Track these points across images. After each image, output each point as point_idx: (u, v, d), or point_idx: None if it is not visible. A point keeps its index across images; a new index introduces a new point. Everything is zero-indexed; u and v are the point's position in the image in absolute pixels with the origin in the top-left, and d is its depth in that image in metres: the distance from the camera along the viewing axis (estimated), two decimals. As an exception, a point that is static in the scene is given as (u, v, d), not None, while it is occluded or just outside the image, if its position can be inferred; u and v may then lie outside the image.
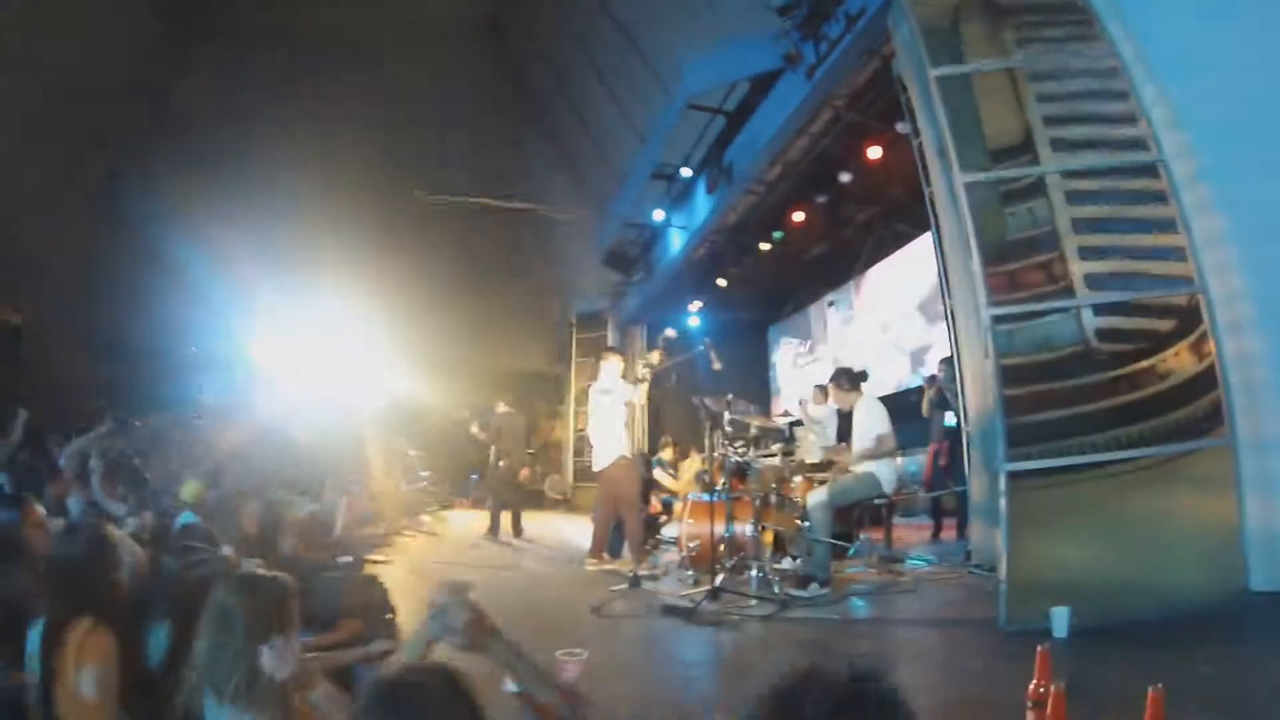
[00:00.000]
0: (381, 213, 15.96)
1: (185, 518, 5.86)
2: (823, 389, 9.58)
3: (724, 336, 15.96)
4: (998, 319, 4.75)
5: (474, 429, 12.55)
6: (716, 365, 7.00)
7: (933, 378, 8.97)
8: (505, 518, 11.35)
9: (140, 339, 15.64)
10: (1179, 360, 4.77)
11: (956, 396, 8.14)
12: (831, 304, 15.56)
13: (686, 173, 12.80)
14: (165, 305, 15.35)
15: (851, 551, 7.08)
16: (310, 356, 15.52)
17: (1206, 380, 4.75)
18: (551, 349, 19.61)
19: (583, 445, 15.38)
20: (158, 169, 15.35)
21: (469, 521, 13.95)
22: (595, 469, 8.02)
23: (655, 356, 7.69)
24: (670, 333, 7.31)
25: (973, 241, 4.85)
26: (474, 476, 17.61)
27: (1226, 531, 4.62)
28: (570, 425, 18.52)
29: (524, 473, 12.63)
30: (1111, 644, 4.05)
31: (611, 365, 8.05)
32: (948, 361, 8.51)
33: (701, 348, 7.13)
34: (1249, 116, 4.98)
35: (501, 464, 11.69)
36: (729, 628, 5.16)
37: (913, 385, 11.91)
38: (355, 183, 15.76)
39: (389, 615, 4.85)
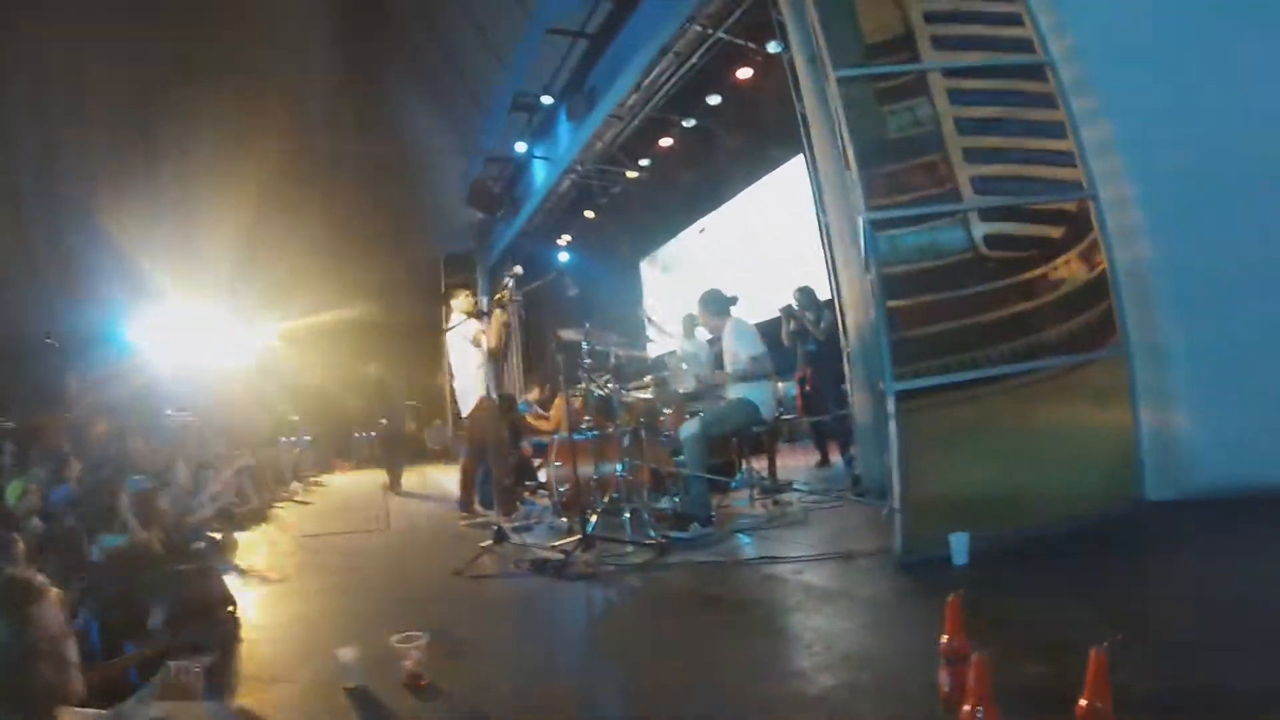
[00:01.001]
0: (243, 168, 14.93)
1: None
2: (692, 318, 9.19)
3: (595, 272, 15.80)
4: (877, 223, 4.37)
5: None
6: (572, 291, 6.55)
7: (789, 307, 8.68)
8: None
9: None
10: (1071, 269, 4.52)
11: (816, 323, 8.22)
12: (702, 231, 15.19)
13: (548, 100, 12.15)
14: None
15: (734, 484, 6.78)
16: (182, 329, 14.72)
17: (1099, 289, 4.52)
18: (426, 295, 18.76)
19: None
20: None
21: (348, 484, 13.52)
22: (463, 414, 7.54)
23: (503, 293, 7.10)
24: (516, 269, 6.75)
25: (847, 140, 4.46)
26: (357, 436, 17.26)
27: (1122, 443, 4.44)
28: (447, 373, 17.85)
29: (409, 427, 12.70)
30: (1012, 566, 3.84)
31: (457, 304, 7.56)
32: (802, 290, 8.54)
33: (553, 275, 6.64)
34: (1135, 23, 4.81)
35: (383, 422, 12.54)
36: (601, 581, 4.72)
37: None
38: (214, 138, 14.86)
39: (230, 609, 4.51)
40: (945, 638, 2.31)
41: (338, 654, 3.14)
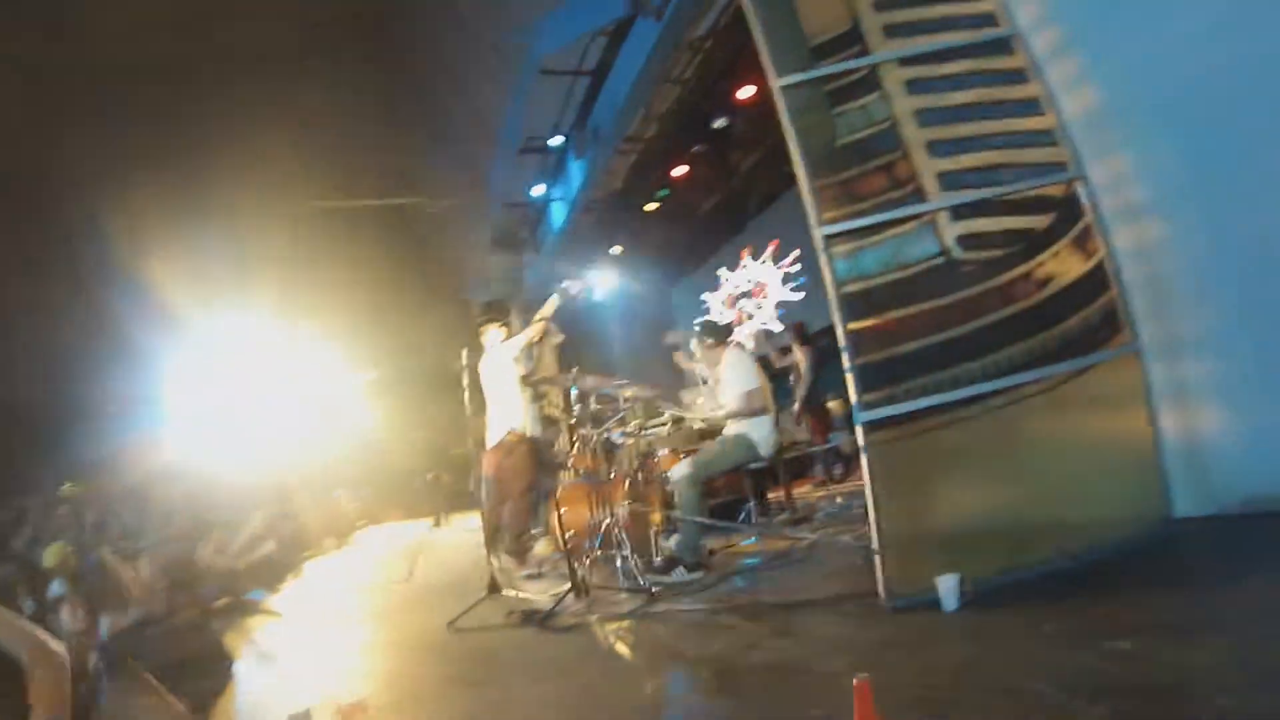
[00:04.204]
0: (269, 228, 15.15)
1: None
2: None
3: (628, 305, 15.55)
4: (831, 238, 3.97)
5: None
6: (578, 293, 6.25)
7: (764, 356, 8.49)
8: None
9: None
10: (1062, 261, 4.03)
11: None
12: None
13: (556, 141, 11.99)
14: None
15: (741, 519, 6.42)
16: (216, 389, 15.02)
17: (1098, 280, 4.03)
18: (464, 344, 18.80)
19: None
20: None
21: (393, 534, 14.00)
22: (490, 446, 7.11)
23: (548, 306, 6.76)
24: (571, 284, 6.44)
25: (795, 151, 4.07)
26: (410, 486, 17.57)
27: (1141, 454, 3.92)
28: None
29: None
30: (1009, 616, 3.31)
31: (492, 333, 7.18)
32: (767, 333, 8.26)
33: (579, 284, 6.39)
34: None
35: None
36: (582, 632, 4.56)
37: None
38: (240, 197, 15.09)
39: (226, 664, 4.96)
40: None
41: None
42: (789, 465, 6.88)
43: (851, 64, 4.24)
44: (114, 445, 14.24)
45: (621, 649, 4.10)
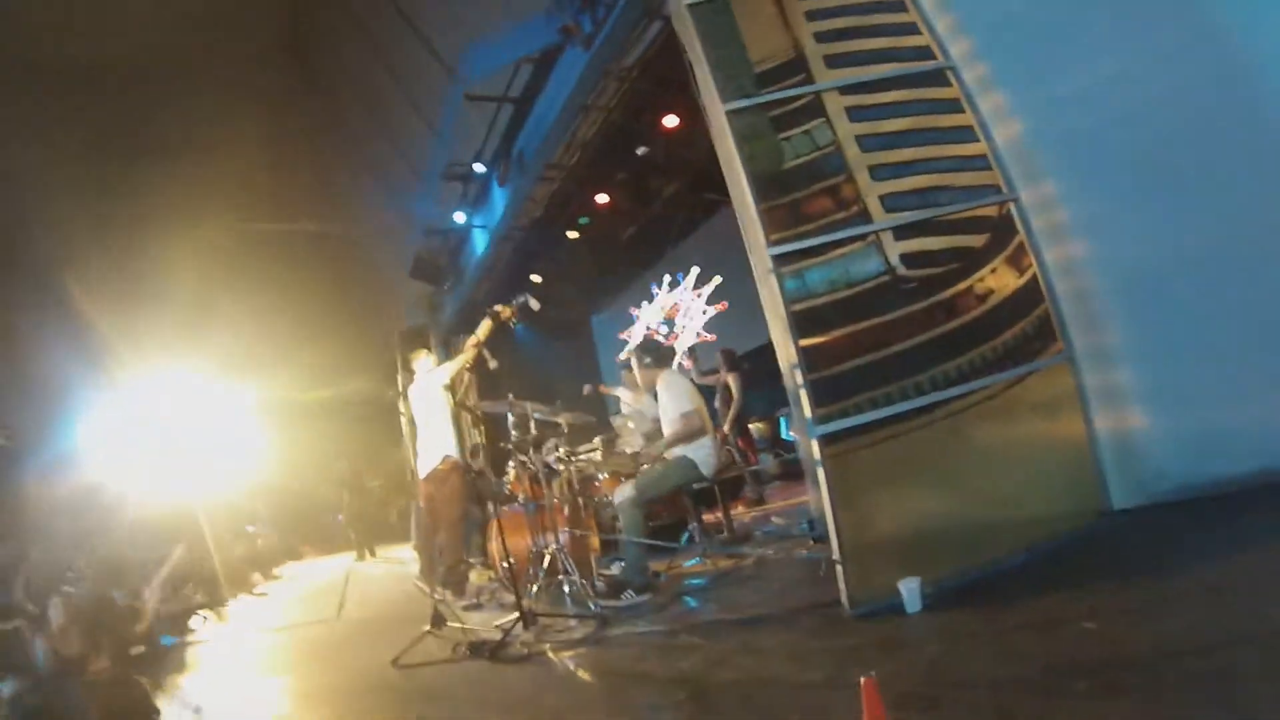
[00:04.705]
0: (192, 250, 14.66)
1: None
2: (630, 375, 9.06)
3: (548, 334, 15.54)
4: (781, 258, 4.09)
5: None
6: (534, 305, 6.20)
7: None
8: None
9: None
10: (999, 277, 4.28)
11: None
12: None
13: (480, 169, 11.91)
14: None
15: (683, 540, 6.44)
16: (132, 418, 14.35)
17: (1031, 294, 4.29)
18: (383, 372, 18.51)
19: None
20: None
21: (313, 571, 13.82)
22: (422, 474, 6.95)
23: (481, 330, 6.62)
24: (525, 299, 6.33)
25: (742, 174, 4.19)
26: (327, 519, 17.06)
27: (1078, 453, 4.21)
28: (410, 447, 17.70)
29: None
30: (972, 612, 3.46)
31: (423, 361, 7.16)
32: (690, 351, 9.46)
33: (521, 299, 6.29)
34: (1032, 12, 4.59)
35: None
36: (538, 661, 4.42)
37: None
38: (160, 219, 14.64)
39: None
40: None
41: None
42: (722, 486, 6.93)
43: (799, 90, 4.39)
44: (7, 478, 13.51)
45: (584, 676, 4.03)
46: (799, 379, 3.96)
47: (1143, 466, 4.22)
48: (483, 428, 9.70)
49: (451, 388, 6.85)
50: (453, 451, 6.83)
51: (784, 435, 11.21)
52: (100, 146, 14.23)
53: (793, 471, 10.21)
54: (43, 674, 5.67)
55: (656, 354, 6.11)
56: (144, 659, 6.88)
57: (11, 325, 14.06)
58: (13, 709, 4.06)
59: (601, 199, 11.86)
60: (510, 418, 5.79)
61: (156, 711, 4.53)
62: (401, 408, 7.41)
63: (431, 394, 6.84)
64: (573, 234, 12.85)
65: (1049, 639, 2.81)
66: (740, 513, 8.79)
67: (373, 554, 14.30)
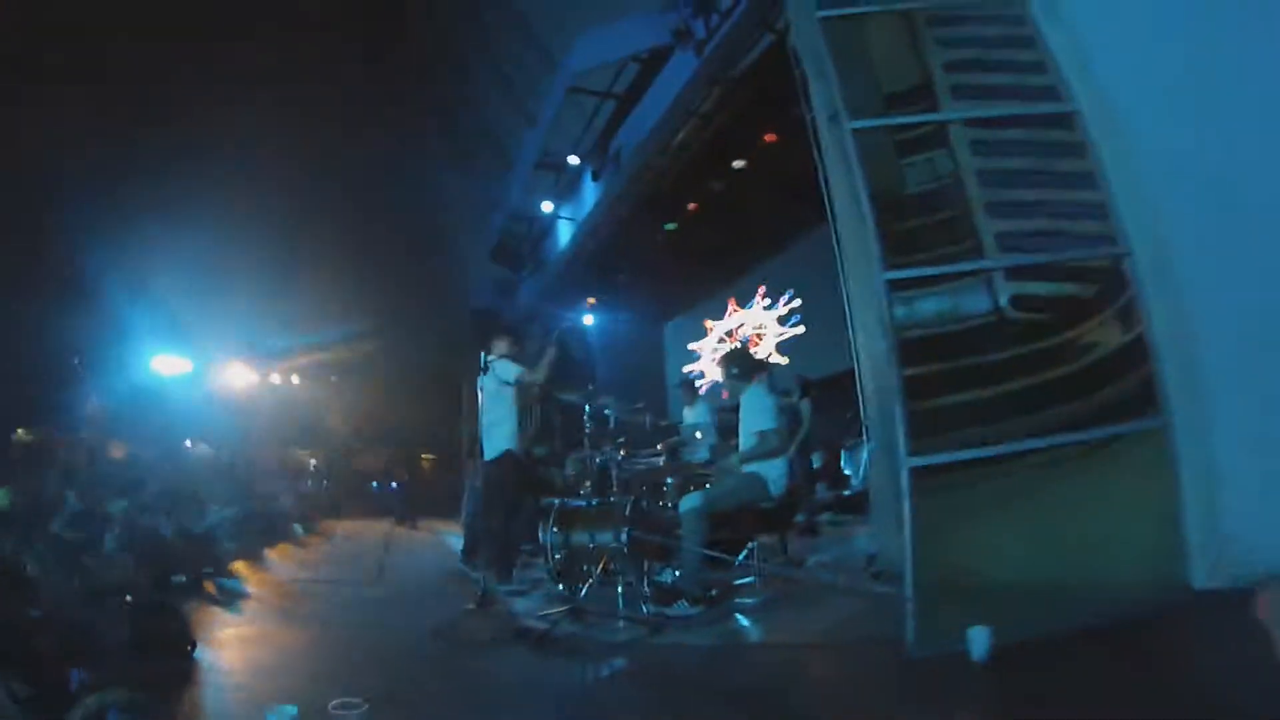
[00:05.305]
0: (273, 215, 15.03)
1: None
2: (691, 386, 9.04)
3: (619, 334, 15.57)
4: (894, 284, 4.01)
5: None
6: (578, 353, 6.29)
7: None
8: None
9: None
10: (1104, 331, 4.14)
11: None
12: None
13: (574, 161, 12.00)
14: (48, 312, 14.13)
15: (739, 560, 6.36)
16: (205, 364, 14.85)
17: (1136, 353, 4.12)
18: (451, 348, 18.76)
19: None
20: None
21: (356, 531, 13.93)
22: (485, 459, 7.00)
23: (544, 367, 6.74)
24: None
25: (863, 194, 4.12)
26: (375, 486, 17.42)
27: (1165, 524, 3.99)
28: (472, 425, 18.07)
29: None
30: (1039, 668, 3.36)
31: (497, 349, 7.07)
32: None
33: (559, 331, 6.37)
34: (1166, 62, 4.36)
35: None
36: (581, 657, 4.42)
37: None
38: (252, 187, 15.01)
39: (188, 648, 4.54)
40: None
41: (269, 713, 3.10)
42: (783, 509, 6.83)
43: (923, 118, 4.33)
44: (76, 396, 14.00)
45: (627, 678, 4.03)
46: (898, 408, 3.87)
47: (1230, 548, 3.99)
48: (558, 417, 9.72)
49: (521, 388, 6.90)
50: (513, 446, 6.86)
51: (845, 468, 11.04)
52: (183, 102, 14.57)
53: (846, 504, 10.03)
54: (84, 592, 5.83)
55: (745, 365, 6.05)
56: (187, 592, 6.96)
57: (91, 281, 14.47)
58: (53, 624, 4.15)
59: (691, 206, 11.84)
60: (586, 410, 5.78)
61: (193, 642, 4.55)
62: (464, 391, 7.49)
63: (497, 385, 6.88)
64: (658, 238, 12.83)
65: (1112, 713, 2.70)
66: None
67: (415, 526, 14.42)
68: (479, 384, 7.07)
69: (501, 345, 7.09)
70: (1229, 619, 3.68)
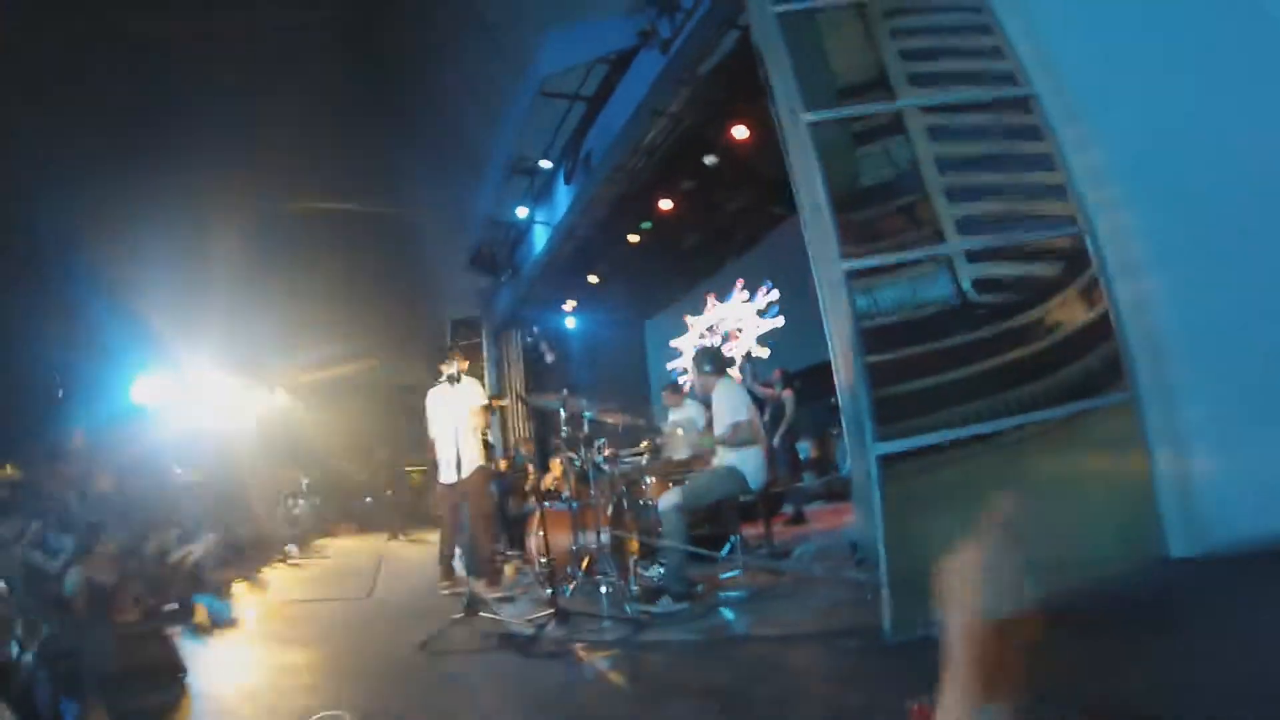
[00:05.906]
0: (250, 230, 14.98)
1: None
2: (675, 388, 9.06)
3: (599, 335, 15.60)
4: (853, 273, 4.04)
5: None
6: (549, 357, 6.31)
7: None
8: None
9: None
10: (1068, 310, 4.20)
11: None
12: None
13: (546, 164, 11.99)
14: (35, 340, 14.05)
15: (723, 554, 6.38)
16: (188, 386, 14.74)
17: (1101, 330, 4.18)
18: (434, 357, 18.74)
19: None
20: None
21: (346, 548, 13.98)
22: (446, 481, 7.11)
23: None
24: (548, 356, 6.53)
25: (820, 187, 4.14)
26: (364, 500, 17.33)
27: (1138, 496, 4.05)
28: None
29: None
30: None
31: (456, 366, 7.05)
32: (748, 358, 9.05)
33: (530, 339, 6.42)
34: (1122, 45, 4.47)
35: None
36: (568, 660, 4.41)
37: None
38: (221, 199, 14.90)
39: (179, 675, 4.53)
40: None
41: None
42: (765, 501, 6.86)
43: (883, 107, 4.35)
44: (60, 431, 13.87)
45: (615, 678, 4.02)
46: (862, 396, 3.90)
47: (1205, 516, 4.05)
48: (530, 423, 9.82)
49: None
50: (483, 462, 7.02)
51: (837, 457, 11.08)
52: (150, 120, 14.48)
53: (835, 493, 10.07)
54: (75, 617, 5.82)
55: (716, 362, 6.08)
56: (176, 618, 6.95)
57: (73, 297, 14.41)
58: (45, 648, 4.13)
59: (665, 205, 11.85)
60: (562, 413, 5.79)
61: (183, 669, 4.53)
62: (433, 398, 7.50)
63: (462, 411, 6.96)
64: (634, 238, 12.86)
65: (1091, 686, 2.73)
66: (778, 530, 8.70)
67: (400, 537, 14.45)
68: (435, 398, 7.13)
69: (454, 365, 7.02)
70: (1209, 587, 3.75)
